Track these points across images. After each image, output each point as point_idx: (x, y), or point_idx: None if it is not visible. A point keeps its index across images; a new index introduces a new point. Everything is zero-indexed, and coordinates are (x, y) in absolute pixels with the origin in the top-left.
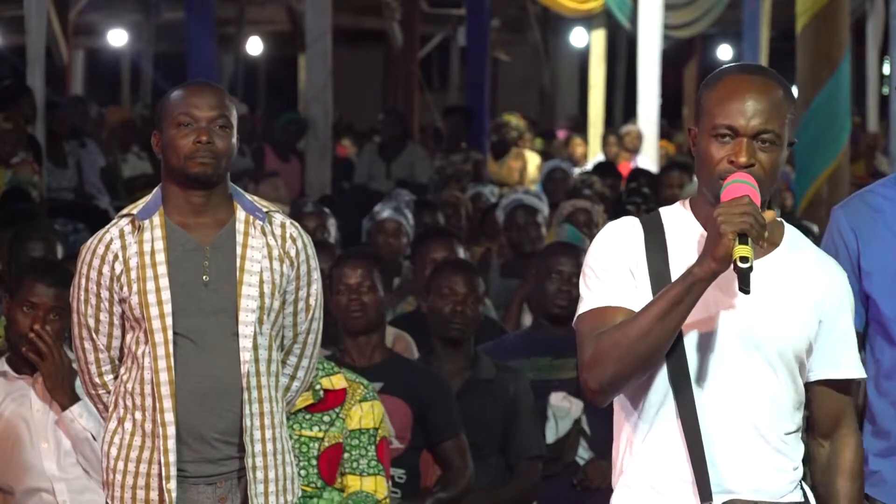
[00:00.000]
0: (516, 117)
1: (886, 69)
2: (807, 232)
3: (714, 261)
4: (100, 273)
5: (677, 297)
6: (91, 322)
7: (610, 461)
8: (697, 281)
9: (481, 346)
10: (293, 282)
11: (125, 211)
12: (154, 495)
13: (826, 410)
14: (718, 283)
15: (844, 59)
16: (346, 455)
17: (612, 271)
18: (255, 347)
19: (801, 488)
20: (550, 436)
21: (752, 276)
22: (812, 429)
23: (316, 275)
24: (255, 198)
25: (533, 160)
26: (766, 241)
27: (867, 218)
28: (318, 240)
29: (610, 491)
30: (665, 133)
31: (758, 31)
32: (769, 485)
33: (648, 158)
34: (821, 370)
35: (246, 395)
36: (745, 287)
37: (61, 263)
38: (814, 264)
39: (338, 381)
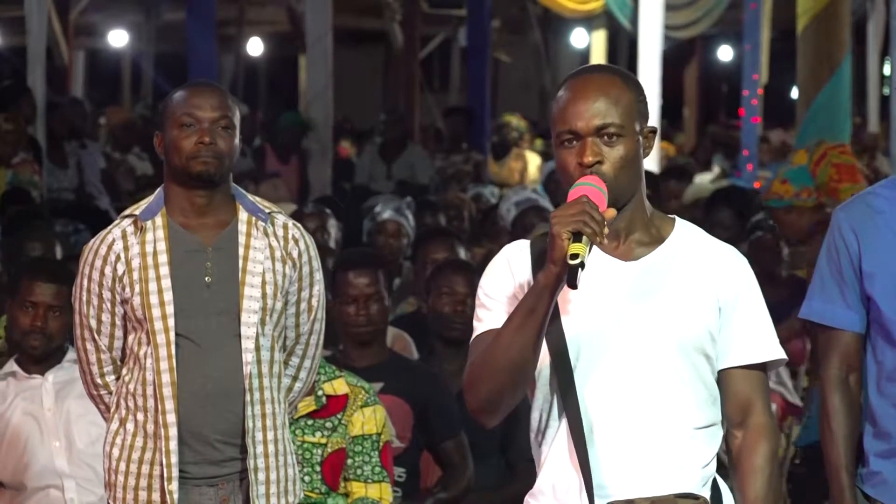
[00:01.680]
0: (517, 118)
1: (887, 70)
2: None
3: (553, 263)
4: (102, 273)
5: (529, 306)
6: (93, 323)
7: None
8: (543, 287)
9: None
10: (295, 283)
11: (128, 211)
12: (156, 496)
13: (735, 399)
14: (604, 287)
15: (845, 60)
16: (349, 461)
17: (498, 296)
18: (258, 348)
19: (715, 483)
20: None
21: (641, 272)
22: (725, 421)
23: (318, 276)
24: (258, 198)
25: (533, 161)
26: (652, 237)
27: (868, 219)
28: (318, 242)
29: None
30: (665, 134)
31: (758, 31)
32: (666, 483)
33: (649, 159)
34: (724, 359)
35: (248, 397)
36: (572, 283)
37: (60, 262)
38: (707, 255)
39: (339, 386)
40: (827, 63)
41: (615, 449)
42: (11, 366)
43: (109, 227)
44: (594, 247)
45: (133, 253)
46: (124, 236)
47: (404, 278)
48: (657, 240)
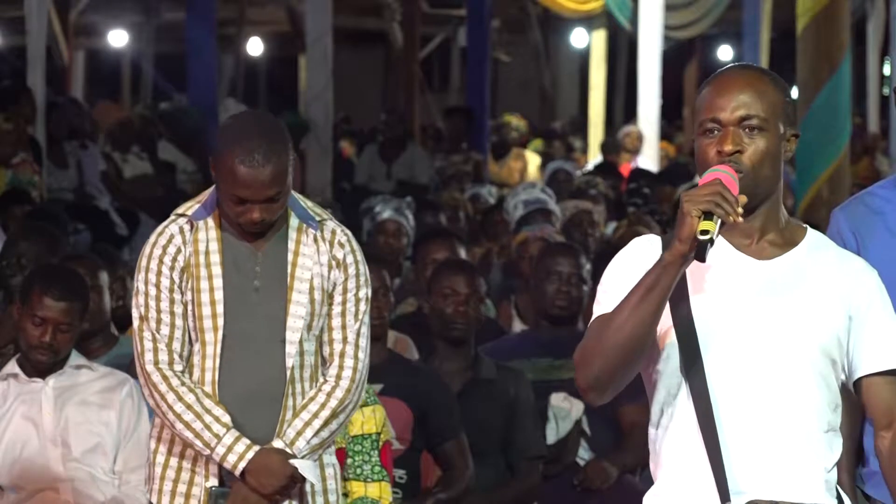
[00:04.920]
0: (517, 118)
1: (887, 70)
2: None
3: (680, 241)
4: (161, 262)
5: (650, 283)
6: (152, 314)
7: (610, 462)
8: (667, 264)
9: (482, 346)
10: (342, 283)
11: (180, 210)
12: (196, 491)
13: (879, 404)
14: (736, 283)
15: (845, 60)
16: (349, 461)
17: (621, 283)
18: (301, 353)
19: (837, 492)
20: (551, 436)
21: (773, 273)
22: (872, 425)
23: (366, 278)
24: (310, 204)
25: (533, 161)
26: (785, 240)
27: (867, 220)
28: None
29: (610, 491)
30: (665, 134)
31: (758, 31)
32: (793, 485)
33: (648, 159)
34: (864, 365)
35: (289, 402)
36: (701, 256)
37: (73, 273)
38: (837, 262)
39: None
40: (827, 63)
41: (746, 449)
42: (13, 367)
43: (165, 223)
44: (729, 246)
45: (189, 250)
46: (181, 232)
47: (404, 278)
48: (790, 243)
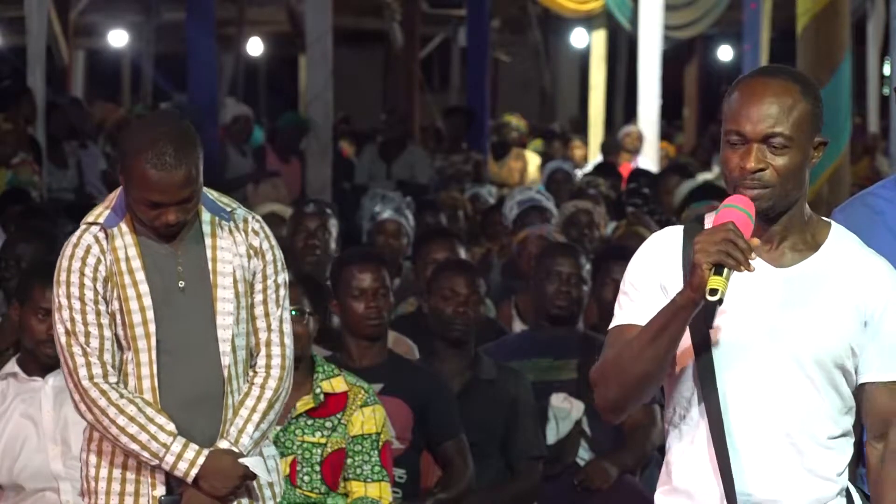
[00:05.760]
0: (517, 118)
1: (887, 70)
2: None
3: (691, 290)
4: (82, 274)
5: (664, 323)
6: (79, 327)
7: (610, 462)
8: (680, 308)
9: (482, 346)
10: (261, 271)
11: (90, 219)
12: (143, 501)
13: (876, 413)
14: (752, 291)
15: (845, 60)
16: (349, 461)
17: (642, 288)
18: (234, 350)
19: (848, 494)
20: (551, 437)
21: (790, 281)
22: (865, 432)
23: (283, 263)
24: (215, 194)
25: (533, 161)
26: (807, 244)
27: (867, 220)
28: (318, 242)
29: (610, 491)
30: (665, 134)
31: (758, 31)
32: (805, 492)
33: (648, 159)
34: (869, 372)
35: (228, 399)
36: (708, 322)
37: None
38: (857, 265)
39: (338, 384)
40: (827, 63)
41: (755, 455)
42: (13, 366)
43: (78, 234)
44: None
45: (109, 259)
46: (98, 241)
47: (404, 278)
48: (811, 247)
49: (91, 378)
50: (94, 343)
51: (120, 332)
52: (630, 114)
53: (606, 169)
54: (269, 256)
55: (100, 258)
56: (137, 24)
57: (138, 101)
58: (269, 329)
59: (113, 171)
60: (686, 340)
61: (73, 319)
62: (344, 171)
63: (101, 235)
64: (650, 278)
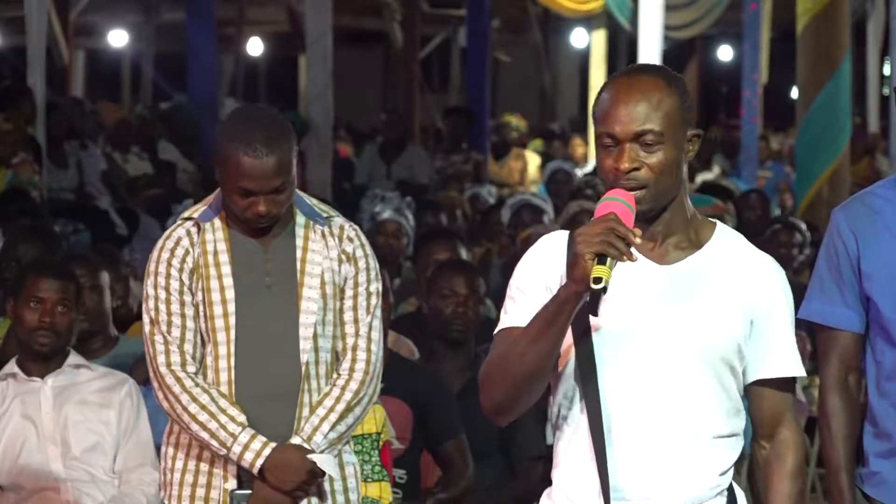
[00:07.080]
0: (517, 118)
1: (887, 70)
2: (812, 230)
3: (574, 282)
4: (169, 265)
5: (548, 318)
6: (163, 317)
7: None
8: (563, 302)
9: (482, 346)
10: (353, 277)
11: (186, 214)
12: (214, 494)
13: (764, 411)
14: (636, 288)
15: (845, 60)
16: None
17: (528, 291)
18: (315, 349)
19: (731, 491)
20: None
21: (674, 277)
22: (753, 431)
23: (376, 273)
24: (315, 202)
25: (533, 161)
26: (691, 242)
27: (867, 219)
28: None
29: None
30: None
31: (758, 31)
32: (680, 490)
33: None
34: (756, 371)
35: (305, 398)
36: (593, 309)
37: (63, 259)
38: (743, 264)
39: None
40: (827, 63)
41: (633, 452)
42: (12, 367)
43: (172, 228)
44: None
45: (197, 252)
46: (189, 235)
47: (404, 278)
48: (695, 245)
49: (168, 365)
50: (176, 332)
51: (202, 324)
52: None
53: None
54: (362, 264)
55: (188, 250)
56: (137, 24)
57: (138, 102)
58: (356, 335)
59: (111, 170)
60: (569, 338)
61: (157, 309)
62: (344, 171)
63: (194, 230)
64: (536, 281)
